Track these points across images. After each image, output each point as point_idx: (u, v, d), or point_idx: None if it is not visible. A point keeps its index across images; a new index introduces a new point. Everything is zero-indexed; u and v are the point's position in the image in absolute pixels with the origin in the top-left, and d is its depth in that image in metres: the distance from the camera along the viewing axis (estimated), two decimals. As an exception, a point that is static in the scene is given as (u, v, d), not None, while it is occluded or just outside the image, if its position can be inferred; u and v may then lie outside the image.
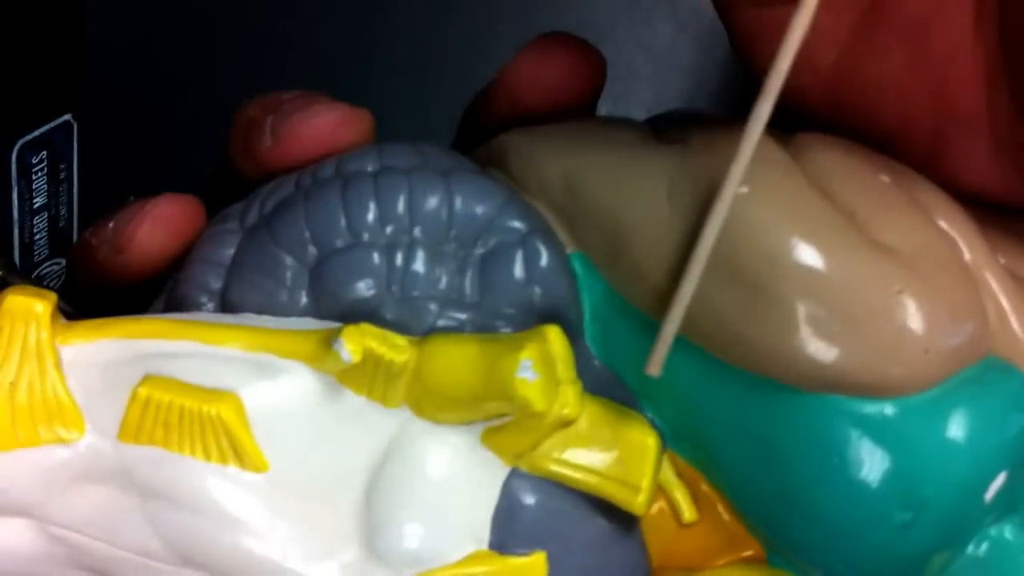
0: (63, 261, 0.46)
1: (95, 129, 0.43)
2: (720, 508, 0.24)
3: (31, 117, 0.41)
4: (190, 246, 0.25)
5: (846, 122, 0.24)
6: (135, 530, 0.22)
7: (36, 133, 0.41)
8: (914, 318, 0.21)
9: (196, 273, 0.24)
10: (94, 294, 0.26)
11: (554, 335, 0.22)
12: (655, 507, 0.24)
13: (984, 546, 0.23)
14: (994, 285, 0.23)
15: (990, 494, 0.23)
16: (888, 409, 0.22)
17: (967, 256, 0.23)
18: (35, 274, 0.45)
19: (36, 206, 0.43)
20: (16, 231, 0.43)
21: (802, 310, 0.21)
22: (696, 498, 0.24)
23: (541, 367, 0.21)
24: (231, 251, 0.24)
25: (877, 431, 0.22)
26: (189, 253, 0.25)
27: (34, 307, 0.22)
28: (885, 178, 0.23)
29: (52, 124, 0.41)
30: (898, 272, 0.21)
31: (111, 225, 0.25)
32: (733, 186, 0.21)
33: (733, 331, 0.22)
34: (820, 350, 0.21)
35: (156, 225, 0.25)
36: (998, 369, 0.22)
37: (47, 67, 0.40)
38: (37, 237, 0.44)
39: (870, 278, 0.21)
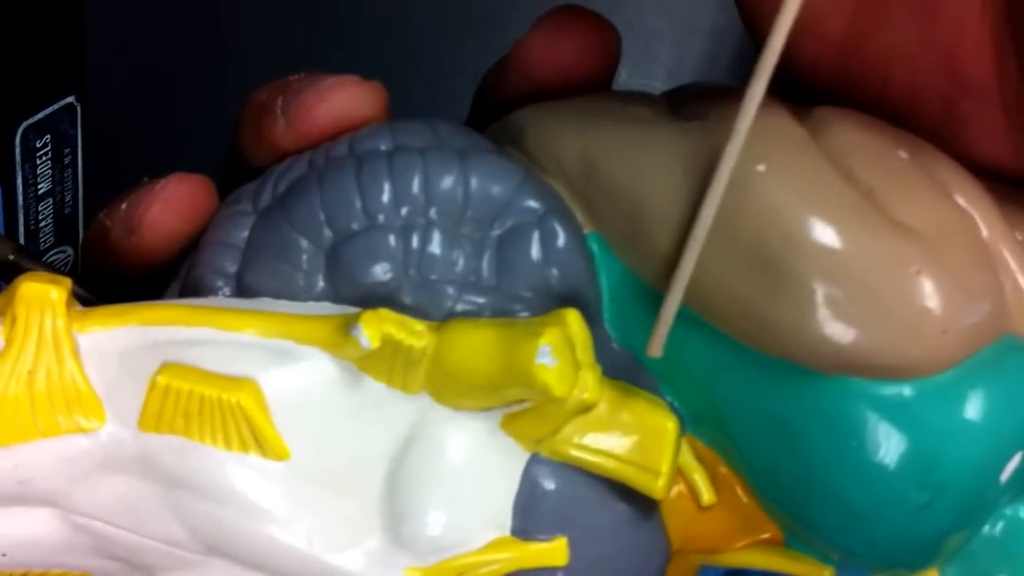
0: (69, 249, 0.46)
1: (99, 111, 0.43)
2: (739, 491, 0.24)
3: (33, 99, 0.40)
4: (203, 227, 0.25)
5: (857, 93, 0.23)
6: (159, 519, 0.22)
7: (39, 116, 0.40)
8: (932, 299, 0.21)
9: (210, 256, 0.24)
10: (109, 278, 0.26)
11: (572, 319, 0.22)
12: (674, 490, 0.24)
13: (1000, 525, 0.24)
14: (1012, 262, 0.23)
15: (1006, 475, 0.23)
16: (906, 391, 0.22)
17: (985, 233, 0.23)
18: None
19: (41, 192, 0.42)
20: (22, 218, 0.42)
21: (820, 292, 0.21)
22: (715, 481, 0.24)
23: (560, 352, 0.21)
24: (245, 233, 0.24)
25: (895, 413, 0.22)
26: (203, 235, 0.25)
27: (49, 294, 0.22)
28: (903, 154, 0.23)
29: (55, 106, 0.41)
30: (916, 252, 0.21)
31: (123, 206, 0.25)
32: (728, 165, 0.21)
33: (751, 313, 0.22)
34: (838, 332, 0.21)
35: (166, 205, 0.25)
36: (1016, 348, 0.22)
37: (48, 47, 0.40)
38: (43, 224, 0.43)
39: (888, 259, 0.21)
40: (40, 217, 0.43)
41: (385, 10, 0.50)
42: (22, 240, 0.43)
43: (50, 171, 0.42)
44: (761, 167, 0.21)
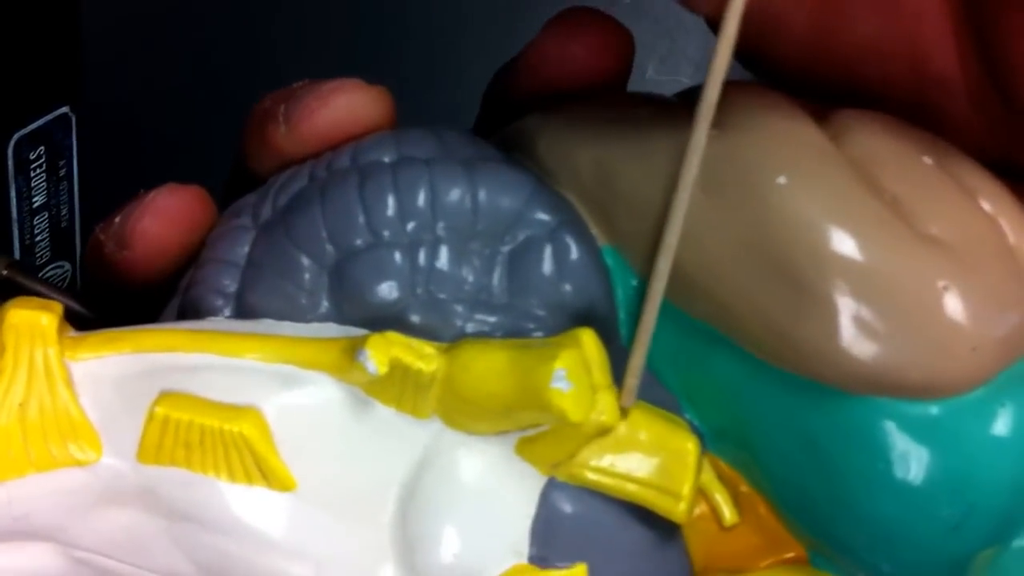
0: (67, 264, 0.45)
1: (96, 122, 0.42)
2: (761, 509, 0.23)
3: (27, 109, 0.39)
4: (199, 239, 0.24)
5: (826, 87, 0.23)
6: (163, 552, 0.21)
7: (33, 126, 0.40)
8: (961, 315, 0.20)
9: (210, 274, 0.23)
10: (109, 294, 0.25)
11: (588, 339, 0.21)
12: (696, 510, 0.23)
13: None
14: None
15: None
16: (935, 410, 0.21)
17: (1012, 239, 0.22)
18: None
19: (36, 205, 0.42)
20: (16, 232, 0.41)
21: (845, 309, 0.20)
22: (737, 499, 0.23)
23: (576, 376, 0.20)
24: (245, 249, 0.23)
25: (924, 433, 0.21)
26: (202, 251, 0.24)
27: (39, 320, 0.21)
28: (928, 160, 0.22)
29: (49, 116, 0.40)
30: (943, 267, 0.20)
31: (116, 220, 0.24)
32: (687, 188, 0.20)
33: (775, 331, 0.21)
34: (864, 350, 0.20)
35: (156, 217, 0.24)
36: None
37: (42, 57, 0.39)
38: (39, 239, 0.43)
39: (916, 274, 0.20)
40: (36, 231, 0.43)
41: (388, 13, 0.49)
42: (18, 255, 0.42)
43: (45, 183, 0.42)
44: (783, 179, 0.20)
